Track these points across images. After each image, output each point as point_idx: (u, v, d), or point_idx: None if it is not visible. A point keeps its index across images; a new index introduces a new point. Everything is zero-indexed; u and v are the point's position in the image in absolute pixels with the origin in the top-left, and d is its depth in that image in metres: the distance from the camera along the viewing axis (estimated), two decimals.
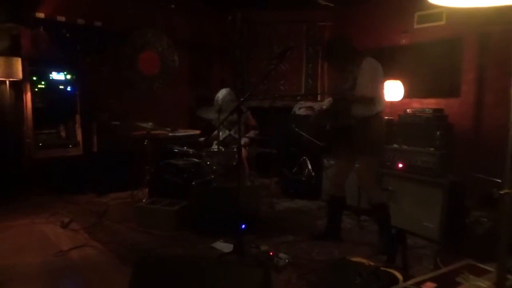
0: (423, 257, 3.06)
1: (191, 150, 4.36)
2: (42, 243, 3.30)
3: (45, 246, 3.22)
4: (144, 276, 1.93)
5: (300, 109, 5.06)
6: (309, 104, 5.03)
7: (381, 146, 3.24)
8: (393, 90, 4.47)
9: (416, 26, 4.73)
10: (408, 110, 4.02)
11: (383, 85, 3.16)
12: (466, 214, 3.20)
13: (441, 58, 4.43)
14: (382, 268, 1.85)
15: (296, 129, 4.69)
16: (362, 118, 3.04)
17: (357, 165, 3.27)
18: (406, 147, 3.76)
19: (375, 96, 3.00)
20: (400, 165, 3.74)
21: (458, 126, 4.04)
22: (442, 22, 4.44)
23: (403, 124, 3.91)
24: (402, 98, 4.53)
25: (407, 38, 4.82)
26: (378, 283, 1.74)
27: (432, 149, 3.54)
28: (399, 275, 1.77)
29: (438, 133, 3.53)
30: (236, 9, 6.14)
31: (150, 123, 4.40)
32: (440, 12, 4.41)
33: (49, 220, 3.85)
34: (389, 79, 4.52)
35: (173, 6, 5.74)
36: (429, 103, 4.53)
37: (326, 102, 3.23)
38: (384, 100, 3.21)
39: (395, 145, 3.87)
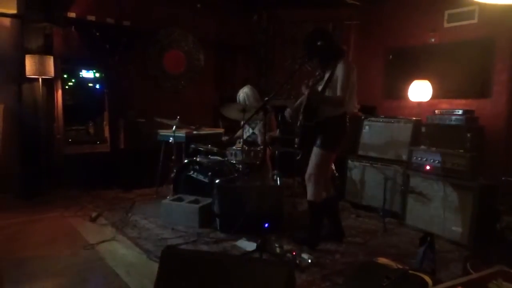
0: (450, 262, 2.98)
1: (215, 148, 4.40)
2: (71, 236, 3.41)
3: (74, 239, 3.33)
4: (170, 271, 1.96)
5: None
6: None
7: (335, 143, 3.18)
8: (420, 91, 4.38)
9: (446, 24, 4.61)
10: (436, 111, 3.93)
11: (355, 88, 3.17)
12: (498, 219, 3.10)
13: (472, 58, 4.31)
14: (411, 272, 1.81)
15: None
16: (328, 117, 3.09)
17: None
18: (434, 148, 3.67)
19: (345, 100, 3.01)
20: (428, 167, 3.65)
21: (489, 127, 3.92)
22: (474, 21, 4.31)
23: (431, 125, 3.83)
24: (430, 99, 4.43)
25: (436, 37, 4.71)
26: (407, 286, 1.70)
27: (462, 151, 3.44)
28: (428, 279, 1.73)
29: (468, 134, 3.44)
30: (261, 8, 6.14)
31: (176, 121, 4.46)
32: (472, 11, 4.29)
33: (78, 214, 3.96)
34: (417, 79, 4.45)
35: (199, 5, 5.80)
36: (459, 104, 4.41)
37: (301, 99, 3.27)
38: (355, 102, 3.30)
39: (422, 147, 3.79)
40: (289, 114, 3.43)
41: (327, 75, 3.11)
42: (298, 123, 3.29)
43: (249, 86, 4.58)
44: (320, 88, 3.14)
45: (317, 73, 3.22)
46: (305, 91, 3.18)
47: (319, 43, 3.07)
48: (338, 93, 3.00)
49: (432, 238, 2.59)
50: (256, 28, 6.25)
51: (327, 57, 3.12)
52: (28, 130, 4.50)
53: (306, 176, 3.21)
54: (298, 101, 3.39)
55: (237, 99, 4.49)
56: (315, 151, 3.15)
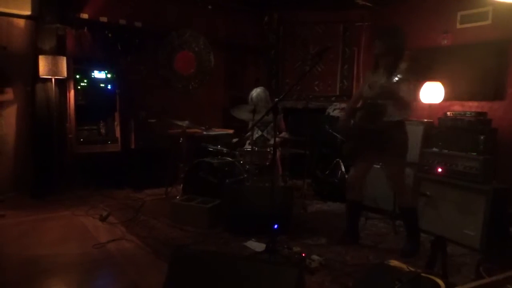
0: (462, 266, 2.94)
1: (225, 149, 4.41)
2: (82, 235, 3.44)
3: (85, 238, 3.35)
4: (180, 271, 1.97)
5: (335, 110, 5.00)
6: (343, 105, 4.96)
7: (407, 150, 3.15)
8: (432, 92, 4.33)
9: (458, 26, 4.56)
10: (448, 113, 3.87)
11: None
12: (511, 223, 3.05)
13: (486, 60, 4.24)
14: (423, 274, 1.79)
15: (330, 131, 4.63)
16: (394, 121, 2.95)
17: (381, 167, 3.20)
18: (446, 151, 3.63)
19: (412, 102, 2.97)
20: (440, 170, 3.61)
21: (503, 130, 3.86)
22: (488, 22, 4.25)
23: (443, 128, 3.78)
24: (442, 101, 4.38)
25: (449, 38, 4.66)
26: None
27: (474, 153, 3.40)
28: (441, 282, 1.71)
29: (482, 137, 3.39)
30: (272, 10, 6.15)
31: (186, 122, 4.48)
32: (486, 11, 4.23)
33: (88, 213, 4.00)
34: (429, 81, 4.40)
35: (210, 7, 5.83)
36: (471, 106, 4.35)
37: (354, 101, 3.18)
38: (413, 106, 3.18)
39: (434, 149, 3.75)
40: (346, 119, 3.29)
41: (387, 75, 2.96)
42: (351, 124, 3.18)
43: (262, 87, 4.59)
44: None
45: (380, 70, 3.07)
46: (368, 89, 3.06)
47: (398, 40, 2.99)
48: (405, 95, 2.85)
49: (444, 242, 2.55)
50: (267, 30, 6.25)
51: (400, 57, 2.98)
52: (41, 129, 4.56)
53: (394, 189, 3.28)
54: (349, 104, 3.31)
55: (249, 98, 4.50)
56: (396, 162, 3.08)
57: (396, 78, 2.85)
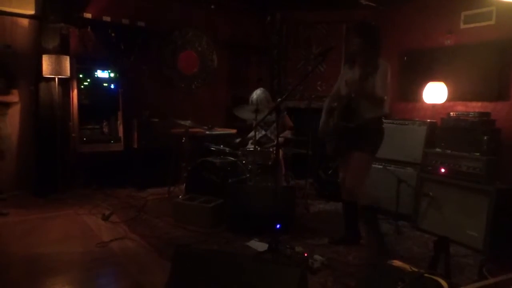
0: (465, 267, 2.93)
1: (227, 149, 4.41)
2: (85, 234, 3.45)
3: (88, 237, 3.36)
4: (183, 270, 1.97)
5: None
6: None
7: (376, 147, 3.06)
8: (436, 93, 4.32)
9: (462, 26, 4.54)
10: (451, 113, 3.87)
11: (389, 90, 3.07)
12: None
13: (489, 60, 4.22)
14: (426, 275, 1.79)
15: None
16: (370, 119, 2.95)
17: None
18: (449, 151, 3.62)
19: (385, 100, 2.91)
20: (443, 170, 3.60)
21: (506, 130, 3.85)
22: (492, 22, 4.23)
23: (446, 128, 3.77)
24: (445, 101, 4.37)
25: (452, 38, 4.64)
26: None
27: (478, 154, 3.39)
28: (444, 283, 1.70)
29: (485, 137, 3.38)
30: (275, 9, 6.14)
31: (189, 121, 4.49)
32: (490, 11, 4.21)
33: (91, 211, 4.01)
34: (432, 81, 4.39)
35: (213, 6, 5.83)
36: (474, 107, 4.33)
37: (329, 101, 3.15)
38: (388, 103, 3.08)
39: (437, 149, 3.74)
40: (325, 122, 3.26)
41: (363, 74, 2.93)
42: (331, 124, 3.15)
43: (262, 88, 4.59)
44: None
45: (352, 68, 3.06)
46: (344, 90, 3.05)
47: (375, 37, 2.96)
48: (379, 91, 2.84)
49: (447, 242, 2.55)
50: (270, 29, 6.25)
51: (375, 54, 2.95)
52: (44, 128, 4.58)
53: (349, 184, 3.07)
54: (326, 102, 3.28)
55: (250, 100, 4.50)
56: (359, 156, 2.99)
57: (370, 75, 2.84)
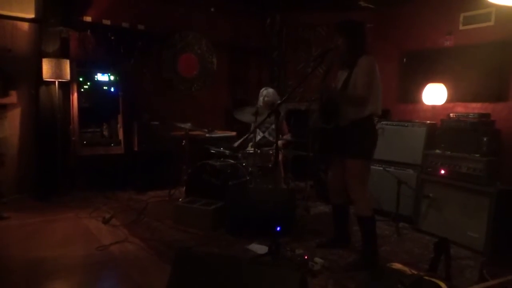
0: (466, 268, 2.93)
1: (227, 151, 4.41)
2: (85, 237, 3.45)
3: (88, 240, 3.36)
4: (183, 273, 1.97)
5: None
6: None
7: (369, 151, 2.92)
8: (435, 94, 4.32)
9: (461, 27, 4.54)
10: (451, 114, 3.87)
11: (379, 86, 2.89)
12: None
13: (489, 61, 4.23)
14: (425, 277, 1.78)
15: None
16: (355, 120, 2.84)
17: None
18: (449, 152, 3.62)
19: (367, 97, 2.78)
20: (443, 171, 3.60)
21: (506, 131, 3.85)
22: (491, 23, 4.24)
23: (446, 129, 3.77)
24: (445, 102, 4.37)
25: (452, 40, 4.64)
26: None
27: (478, 155, 3.38)
28: (443, 285, 1.70)
29: (485, 138, 3.38)
30: (275, 11, 6.15)
31: (189, 124, 4.49)
32: (489, 13, 4.22)
33: (92, 215, 4.01)
34: (431, 82, 4.39)
35: (213, 9, 5.84)
36: (474, 108, 4.33)
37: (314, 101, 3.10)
38: (380, 101, 2.91)
39: (437, 151, 3.74)
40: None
41: (345, 73, 2.92)
42: (313, 124, 3.17)
43: (273, 89, 4.62)
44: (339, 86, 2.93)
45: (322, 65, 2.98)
46: (317, 93, 3.03)
47: (356, 32, 2.90)
48: (359, 90, 2.77)
49: (447, 244, 2.55)
50: (269, 31, 6.26)
51: (357, 51, 2.86)
52: (45, 132, 4.58)
53: (351, 191, 2.93)
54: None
55: (260, 94, 4.51)
56: (352, 163, 2.86)
57: (353, 74, 2.79)
